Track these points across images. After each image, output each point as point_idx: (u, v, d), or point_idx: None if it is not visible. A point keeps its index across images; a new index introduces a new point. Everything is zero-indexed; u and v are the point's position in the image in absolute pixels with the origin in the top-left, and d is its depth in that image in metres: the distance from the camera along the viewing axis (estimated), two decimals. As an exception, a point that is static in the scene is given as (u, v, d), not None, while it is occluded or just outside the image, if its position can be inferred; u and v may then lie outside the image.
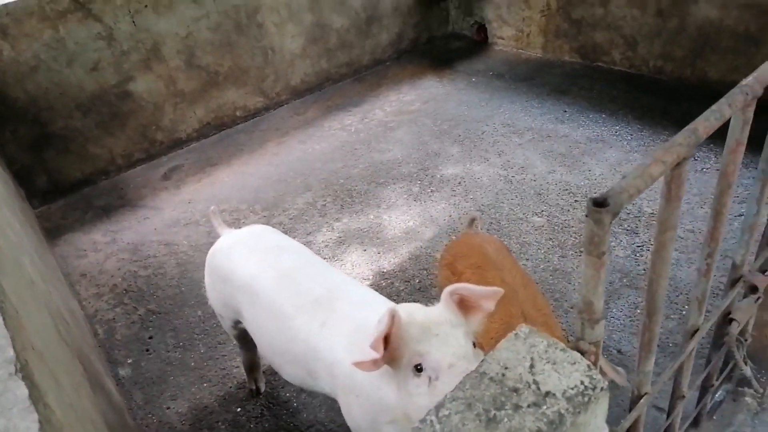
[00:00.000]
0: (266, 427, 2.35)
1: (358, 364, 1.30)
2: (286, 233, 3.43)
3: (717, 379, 1.84)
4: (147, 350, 2.82)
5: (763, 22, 3.85)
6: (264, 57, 4.80)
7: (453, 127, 4.36)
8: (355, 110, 4.84)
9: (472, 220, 2.36)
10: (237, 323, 2.10)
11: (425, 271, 3.02)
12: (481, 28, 5.76)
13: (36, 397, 1.05)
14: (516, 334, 1.01)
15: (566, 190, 3.51)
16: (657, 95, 4.37)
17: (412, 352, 1.29)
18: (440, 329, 1.33)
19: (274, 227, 3.50)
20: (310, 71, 5.15)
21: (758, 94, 1.09)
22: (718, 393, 2.04)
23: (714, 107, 1.04)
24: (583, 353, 1.01)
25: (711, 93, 4.43)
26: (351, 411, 1.60)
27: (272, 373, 2.56)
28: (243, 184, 4.05)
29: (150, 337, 2.89)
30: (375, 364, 1.29)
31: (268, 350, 1.87)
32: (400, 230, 3.36)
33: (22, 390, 1.02)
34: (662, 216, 1.05)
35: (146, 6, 4.11)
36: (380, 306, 1.61)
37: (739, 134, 1.15)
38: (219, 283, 2.02)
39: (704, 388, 1.83)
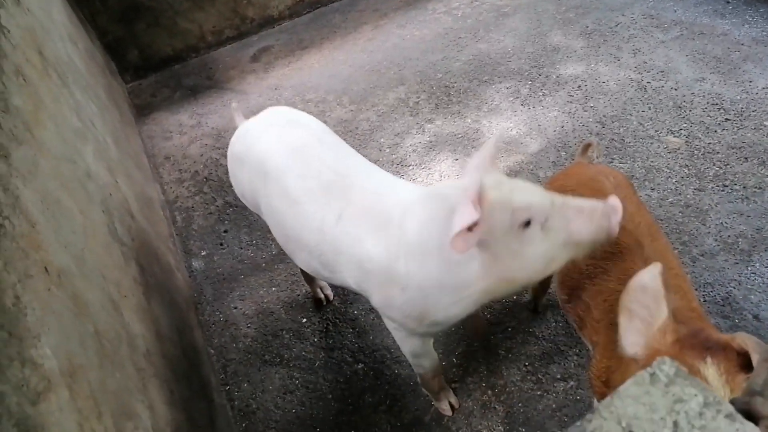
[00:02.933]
0: (330, 343, 2.21)
1: (457, 243, 1.23)
2: (372, 131, 3.15)
3: None
4: (221, 244, 2.73)
5: None
6: None
7: (581, 15, 3.64)
8: (465, -10, 4.19)
9: (587, 146, 1.88)
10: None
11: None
12: None
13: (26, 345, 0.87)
14: (653, 374, 0.65)
15: (716, 104, 2.84)
16: None
17: (516, 212, 1.28)
18: (518, 184, 1.34)
19: (359, 123, 3.22)
20: (419, -59, 4.47)
21: None
22: None
23: None
24: (758, 420, 0.65)
25: None
26: (393, 305, 1.50)
27: (343, 288, 2.38)
28: (333, 71, 3.70)
29: (225, 231, 2.79)
30: (467, 241, 1.24)
31: (280, 234, 1.73)
32: (501, 141, 2.91)
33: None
34: None
35: None
36: (403, 193, 1.52)
37: None
38: (237, 168, 1.86)
39: None
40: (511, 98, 3.14)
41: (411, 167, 2.86)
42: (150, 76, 4.02)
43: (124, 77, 3.97)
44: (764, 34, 3.21)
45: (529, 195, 1.31)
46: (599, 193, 1.55)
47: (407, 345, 1.69)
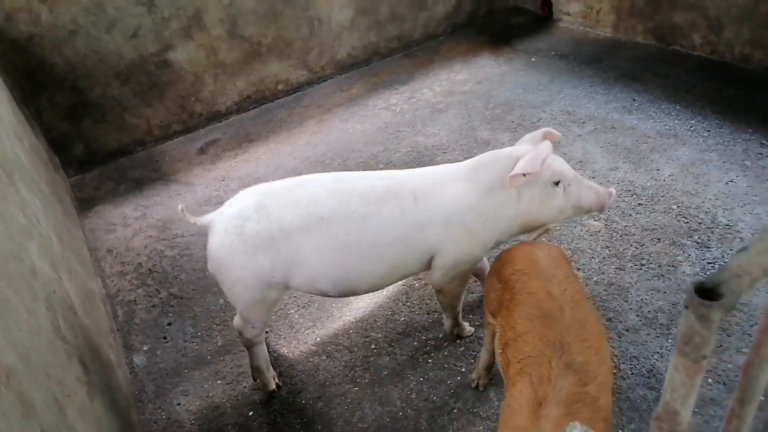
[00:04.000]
0: (278, 437, 2.19)
1: (514, 178, 1.90)
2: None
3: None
4: (164, 338, 2.69)
5: None
6: (310, 28, 4.54)
7: (506, 112, 4.02)
8: (403, 88, 4.54)
9: (546, 230, 2.20)
10: (279, 294, 2.04)
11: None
12: (546, 2, 5.30)
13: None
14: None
15: (629, 191, 3.15)
16: (741, 86, 3.87)
17: (555, 173, 1.96)
18: (558, 157, 2.03)
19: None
20: (358, 45, 4.87)
21: None
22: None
23: None
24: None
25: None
26: (470, 245, 2.01)
27: (289, 376, 2.39)
28: (279, 163, 3.86)
29: (169, 324, 2.76)
30: (518, 180, 1.92)
31: (350, 265, 1.94)
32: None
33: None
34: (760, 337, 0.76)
35: (189, -30, 3.91)
36: (457, 164, 2.10)
37: None
38: (263, 251, 1.88)
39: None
40: (448, 187, 3.36)
41: (356, 254, 2.97)
42: (94, 170, 4.04)
43: (67, 171, 3.97)
44: (666, 127, 3.63)
45: (564, 166, 2.00)
46: (532, 264, 1.73)
47: (454, 287, 2.16)
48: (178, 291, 2.91)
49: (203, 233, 3.26)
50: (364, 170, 3.58)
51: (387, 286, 2.18)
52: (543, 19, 5.32)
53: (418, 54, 5.07)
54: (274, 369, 2.38)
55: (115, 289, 3.00)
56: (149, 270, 3.09)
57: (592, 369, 1.47)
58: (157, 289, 2.95)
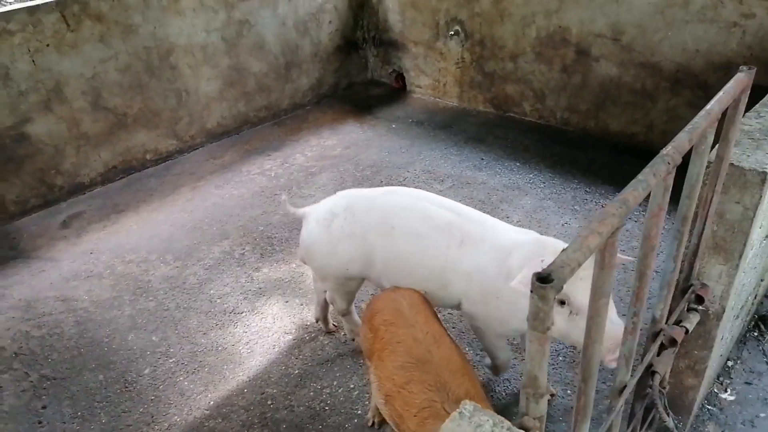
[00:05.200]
0: (178, 507, 2.12)
1: (517, 284, 1.75)
2: (200, 285, 3.27)
3: (641, 429, 1.88)
4: (39, 422, 2.50)
5: (657, 80, 4.22)
6: (177, 99, 4.61)
7: (375, 173, 4.37)
8: (275, 154, 4.74)
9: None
10: (357, 283, 2.42)
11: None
12: (399, 76, 5.90)
13: None
14: (461, 412, 0.95)
15: (486, 236, 3.58)
16: (565, 145, 4.63)
17: (561, 293, 1.46)
18: (585, 273, 1.57)
19: (186, 278, 3.32)
20: (227, 114, 5.01)
21: (678, 163, 1.13)
22: (640, 440, 2.09)
23: (640, 176, 1.07)
24: (527, 430, 0.97)
25: (613, 143, 4.79)
26: (488, 310, 2.06)
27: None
28: (153, 232, 3.80)
29: (43, 407, 2.56)
30: (522, 286, 1.73)
31: (401, 276, 2.18)
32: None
33: None
34: (597, 283, 1.05)
35: (48, 45, 3.84)
36: (513, 233, 2.09)
37: (660, 200, 1.19)
38: (343, 244, 2.24)
39: (629, 438, 1.85)
40: (328, 244, 3.56)
41: (244, 314, 3.01)
42: (-64, 252, 3.66)
43: None
44: (511, 181, 4.20)
45: (576, 290, 1.72)
46: (396, 313, 1.94)
47: (489, 341, 2.22)
48: (50, 372, 2.72)
49: (73, 310, 3.14)
50: (244, 234, 3.68)
51: (438, 303, 2.25)
52: (398, 90, 5.91)
53: (287, 122, 5.33)
54: (167, 438, 2.33)
55: (-27, 379, 2.72)
56: (15, 353, 2.85)
57: (471, 391, 1.72)
58: (26, 372, 2.73)
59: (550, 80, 4.80)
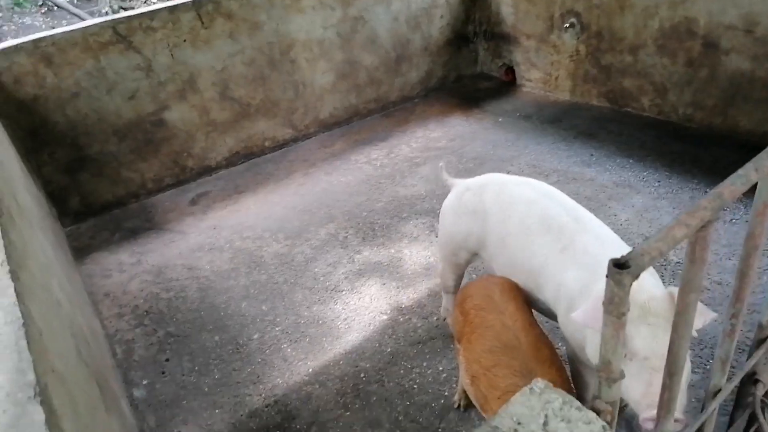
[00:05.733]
0: (276, 461, 2.34)
1: (576, 316, 1.59)
2: (306, 262, 3.50)
3: (742, 442, 1.77)
4: (163, 372, 2.84)
5: (797, 75, 3.83)
6: (295, 91, 4.92)
7: (478, 165, 4.38)
8: (382, 145, 4.90)
9: None
10: (468, 257, 2.47)
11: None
12: (509, 70, 5.82)
13: (52, 423, 1.07)
14: (531, 388, 1.00)
15: (590, 234, 3.47)
16: (686, 142, 4.34)
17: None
18: (654, 320, 1.51)
19: (294, 256, 3.58)
20: (339, 106, 5.25)
21: (786, 158, 1.08)
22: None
23: (740, 171, 1.04)
24: (599, 413, 1.00)
25: (742, 141, 4.41)
26: (567, 325, 1.93)
27: (284, 404, 2.55)
28: (268, 212, 4.11)
29: (167, 360, 2.91)
30: (580, 321, 1.60)
31: (506, 265, 2.21)
32: (420, 266, 3.36)
33: (39, 415, 1.04)
34: (686, 277, 1.04)
35: (185, 41, 4.27)
36: (615, 247, 1.90)
37: (766, 197, 1.14)
38: (467, 216, 2.35)
39: (728, 451, 1.76)
40: (427, 231, 3.66)
41: (344, 292, 3.20)
42: (89, 221, 4.23)
43: (63, 222, 4.15)
44: (622, 179, 4.02)
45: (638, 332, 1.53)
46: (487, 299, 1.97)
47: (573, 366, 2.11)
48: (174, 330, 3.08)
49: (197, 277, 3.48)
50: (349, 218, 3.87)
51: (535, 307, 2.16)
52: (507, 84, 5.83)
53: (394, 114, 5.48)
54: (269, 397, 2.56)
55: (113, 330, 3.15)
56: (146, 311, 3.25)
57: (557, 381, 1.73)
58: (154, 329, 3.11)
59: (673, 74, 4.50)
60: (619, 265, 0.88)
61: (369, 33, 5.15)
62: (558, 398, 0.98)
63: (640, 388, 1.52)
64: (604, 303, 0.90)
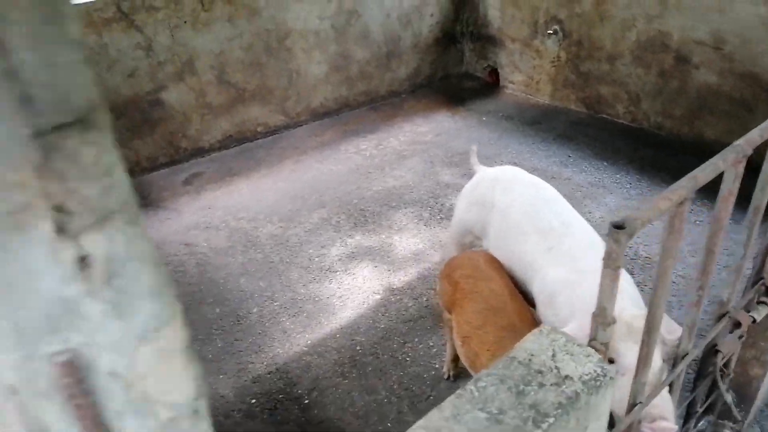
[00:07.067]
0: (278, 419, 2.52)
1: (571, 329, 1.59)
2: (301, 244, 3.67)
3: (701, 407, 2.04)
4: (165, 342, 2.97)
5: (757, 91, 4.18)
6: (289, 79, 5.07)
7: (463, 160, 4.62)
8: (371, 137, 5.09)
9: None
10: (472, 241, 2.60)
11: (433, 291, 3.22)
12: (493, 72, 6.09)
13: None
14: (541, 330, 1.22)
15: (567, 228, 3.75)
16: (656, 149, 4.66)
17: (611, 347, 1.36)
18: (640, 337, 1.55)
19: (288, 237, 3.74)
20: (330, 96, 5.42)
21: (748, 154, 1.33)
22: (701, 422, 2.24)
23: (710, 161, 1.28)
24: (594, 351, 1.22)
25: (706, 151, 4.74)
26: (546, 314, 2.06)
27: (285, 371, 2.73)
28: (260, 196, 4.26)
29: (168, 331, 3.05)
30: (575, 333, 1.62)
31: (504, 258, 2.33)
32: (409, 251, 3.57)
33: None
34: (665, 245, 1.28)
35: (185, 22, 4.38)
36: (596, 251, 2.01)
37: (731, 185, 1.38)
38: (476, 205, 2.50)
39: (689, 414, 2.03)
40: (416, 220, 3.87)
41: (338, 273, 3.38)
42: (83, 195, 4.29)
43: (57, 195, 4.21)
44: (596, 179, 4.32)
45: (628, 350, 1.58)
46: (476, 269, 2.20)
47: None
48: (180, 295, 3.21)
49: (194, 254, 3.61)
50: (340, 205, 4.06)
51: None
52: (491, 85, 6.10)
53: (383, 108, 5.67)
54: (271, 365, 2.73)
55: (115, 300, 3.26)
56: (147, 284, 3.37)
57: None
58: (156, 300, 3.24)
59: (646, 84, 4.83)
60: (617, 226, 1.10)
61: (362, 27, 5.33)
62: (562, 337, 1.20)
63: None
64: (603, 258, 1.13)
